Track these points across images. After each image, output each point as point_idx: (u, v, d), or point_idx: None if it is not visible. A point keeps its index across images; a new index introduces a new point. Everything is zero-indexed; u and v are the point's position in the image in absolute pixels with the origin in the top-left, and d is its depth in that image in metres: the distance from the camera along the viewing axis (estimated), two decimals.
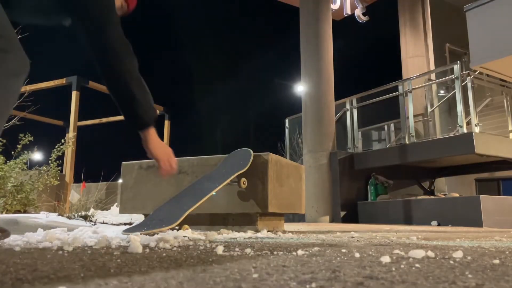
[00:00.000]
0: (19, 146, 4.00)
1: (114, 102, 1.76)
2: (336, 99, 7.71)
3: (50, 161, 4.25)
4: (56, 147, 4.30)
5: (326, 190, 7.10)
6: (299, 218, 7.19)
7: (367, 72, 26.12)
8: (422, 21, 9.50)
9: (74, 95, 5.35)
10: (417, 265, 1.03)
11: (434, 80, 8.17)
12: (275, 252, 1.36)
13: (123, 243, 1.72)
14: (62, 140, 4.35)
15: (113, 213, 4.53)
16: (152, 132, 1.81)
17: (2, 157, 3.81)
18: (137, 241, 1.60)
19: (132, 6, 1.96)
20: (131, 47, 1.72)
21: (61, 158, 4.50)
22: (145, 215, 3.17)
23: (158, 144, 1.85)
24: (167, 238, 1.78)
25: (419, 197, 6.60)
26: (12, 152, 3.96)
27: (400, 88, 7.11)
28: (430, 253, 1.22)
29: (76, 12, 1.62)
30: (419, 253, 1.21)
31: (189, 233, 2.15)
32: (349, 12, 10.07)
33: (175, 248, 1.52)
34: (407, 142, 6.75)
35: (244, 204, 2.78)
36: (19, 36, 4.75)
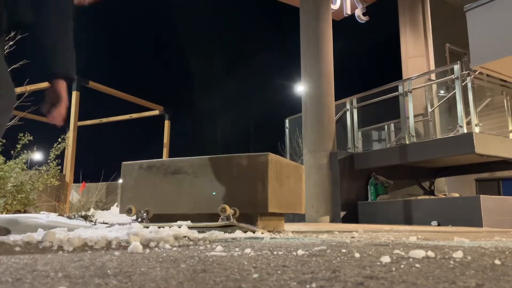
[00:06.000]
0: (18, 146, 4.00)
1: (40, 50, 1.92)
2: (336, 99, 7.71)
3: (49, 161, 4.25)
4: (54, 146, 4.30)
5: (326, 190, 7.10)
6: (299, 218, 7.19)
7: (367, 72, 26.10)
8: (422, 21, 9.50)
9: (74, 95, 5.35)
10: (417, 265, 1.03)
11: (434, 80, 8.16)
12: (275, 252, 1.36)
13: (123, 243, 1.72)
14: (59, 139, 4.35)
15: (113, 213, 4.53)
16: (63, 83, 1.94)
17: (2, 157, 3.81)
18: (137, 241, 1.60)
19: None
20: (71, 25, 1.93)
21: (61, 158, 4.51)
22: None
23: (65, 90, 1.96)
24: (167, 238, 1.79)
25: (419, 197, 6.60)
26: (12, 152, 3.97)
27: (400, 88, 7.10)
28: (430, 253, 1.22)
29: None
30: (419, 253, 1.21)
31: (189, 233, 2.15)
32: (349, 12, 10.06)
33: (175, 248, 1.52)
34: (407, 142, 6.75)
35: (244, 204, 2.78)
36: (20, 36, 4.75)
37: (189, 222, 2.64)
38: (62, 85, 1.93)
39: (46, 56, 1.92)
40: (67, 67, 1.95)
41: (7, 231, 1.91)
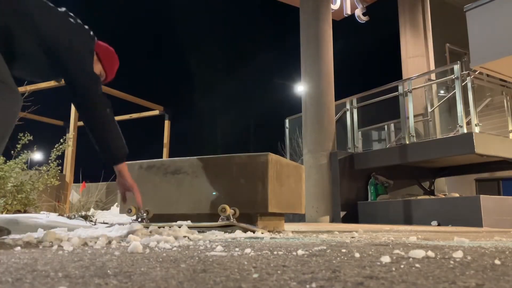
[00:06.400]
0: (18, 146, 4.00)
1: (94, 143, 2.15)
2: (336, 99, 7.71)
3: (50, 161, 4.25)
4: (55, 146, 4.30)
5: (326, 190, 7.10)
6: (299, 218, 7.19)
7: (367, 72, 26.12)
8: (422, 21, 9.50)
9: None
10: (417, 265, 1.03)
11: (434, 80, 8.16)
12: (275, 252, 1.36)
13: (123, 243, 1.72)
14: (61, 140, 4.35)
15: (113, 213, 4.53)
16: (124, 166, 2.22)
17: (2, 157, 3.81)
18: (137, 241, 1.60)
19: (110, 78, 2.31)
20: (109, 102, 2.14)
21: (61, 158, 4.50)
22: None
23: (130, 176, 2.24)
24: (167, 238, 1.79)
25: (419, 197, 6.60)
26: (12, 152, 3.96)
27: (400, 88, 7.10)
28: (430, 253, 1.22)
29: (67, 78, 2.05)
30: (419, 253, 1.21)
31: (189, 233, 2.15)
32: (349, 12, 10.06)
33: (175, 248, 1.52)
34: (407, 142, 6.75)
35: (244, 204, 2.78)
36: None
37: (189, 222, 2.64)
38: (126, 171, 2.20)
39: (105, 148, 2.14)
40: (124, 148, 2.18)
41: (8, 232, 1.92)
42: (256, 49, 35.38)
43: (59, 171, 4.39)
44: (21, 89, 5.09)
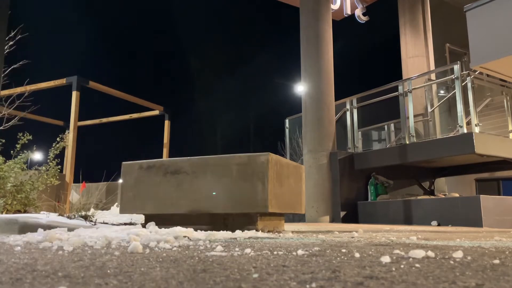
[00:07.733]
0: (18, 146, 4.00)
1: None
2: (336, 99, 7.71)
3: (48, 160, 4.25)
4: (53, 145, 4.31)
5: (326, 190, 7.10)
6: (299, 218, 7.19)
7: (367, 72, 26.11)
8: (422, 21, 9.50)
9: (74, 95, 5.35)
10: (417, 265, 1.03)
11: (434, 80, 8.16)
12: (275, 252, 1.36)
13: (123, 243, 1.72)
14: (58, 139, 4.35)
15: (113, 213, 4.53)
16: None
17: (1, 157, 3.81)
18: (137, 241, 1.61)
19: None
20: None
21: (61, 158, 4.50)
22: (145, 215, 3.17)
23: None
24: (167, 238, 1.79)
25: (419, 197, 6.60)
26: (12, 151, 3.97)
27: (400, 88, 7.10)
28: (430, 253, 1.22)
29: None
30: (419, 253, 1.21)
31: (189, 233, 2.15)
32: (349, 12, 10.06)
33: (175, 248, 1.52)
34: (407, 142, 6.75)
35: (244, 204, 2.78)
36: (20, 36, 4.75)
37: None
38: None
39: None
40: None
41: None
42: (256, 49, 35.39)
43: (59, 171, 4.39)
44: (21, 89, 5.09)
